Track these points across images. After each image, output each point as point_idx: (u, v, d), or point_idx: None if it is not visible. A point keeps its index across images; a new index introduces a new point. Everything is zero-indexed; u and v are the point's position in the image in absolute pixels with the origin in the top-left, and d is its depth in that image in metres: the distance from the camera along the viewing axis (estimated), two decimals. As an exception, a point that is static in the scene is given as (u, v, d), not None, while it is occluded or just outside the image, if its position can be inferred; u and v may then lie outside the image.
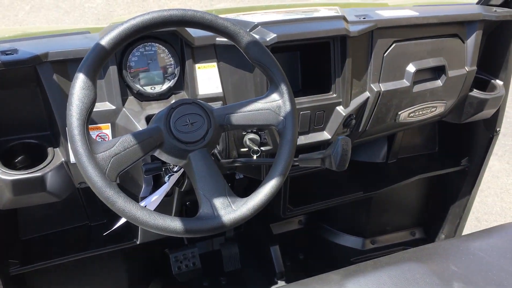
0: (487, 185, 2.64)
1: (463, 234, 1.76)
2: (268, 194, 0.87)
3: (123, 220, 1.13)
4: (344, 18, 1.17)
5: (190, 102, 0.88)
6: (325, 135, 1.22)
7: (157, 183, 1.08)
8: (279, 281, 1.58)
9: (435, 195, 1.75)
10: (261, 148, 1.15)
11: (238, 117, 0.90)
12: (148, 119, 1.01)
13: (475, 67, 1.36)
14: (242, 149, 1.15)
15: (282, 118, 0.91)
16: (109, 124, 1.02)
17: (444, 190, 1.71)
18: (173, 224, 0.81)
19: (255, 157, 1.10)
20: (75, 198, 1.31)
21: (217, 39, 1.07)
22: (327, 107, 1.19)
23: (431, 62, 1.28)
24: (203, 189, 0.85)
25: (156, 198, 1.03)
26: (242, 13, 1.22)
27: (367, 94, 1.24)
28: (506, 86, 1.45)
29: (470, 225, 2.11)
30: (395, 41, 1.25)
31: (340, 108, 1.20)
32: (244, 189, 1.42)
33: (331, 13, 1.19)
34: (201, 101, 0.91)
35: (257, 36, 1.03)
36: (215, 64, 1.09)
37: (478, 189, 1.65)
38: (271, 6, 1.34)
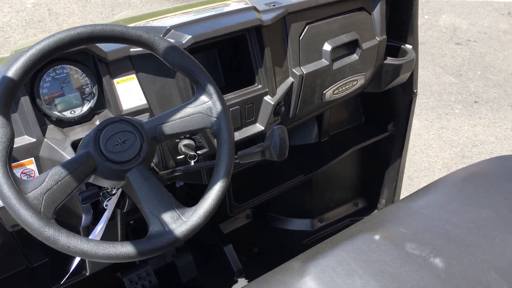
0: (412, 144, 2.77)
1: (402, 195, 1.84)
2: (216, 197, 0.85)
3: (78, 259, 1.07)
4: (255, 8, 1.17)
5: (117, 120, 0.84)
6: (258, 127, 1.22)
7: (96, 210, 1.03)
8: (239, 279, 1.57)
9: (370, 164, 1.81)
10: (198, 152, 1.13)
11: (170, 126, 0.88)
12: (74, 145, 0.95)
13: (385, 36, 1.41)
14: (178, 157, 1.12)
15: (215, 119, 0.90)
16: (32, 158, 0.95)
17: (377, 158, 1.77)
18: (125, 249, 0.77)
19: (193, 162, 1.08)
20: (9, 242, 1.21)
21: (132, 50, 1.03)
22: (254, 99, 1.19)
23: (344, 38, 1.32)
24: (148, 207, 0.82)
25: (101, 227, 0.98)
26: (150, 19, 1.18)
27: (290, 79, 1.25)
28: (415, 49, 1.52)
29: (404, 184, 2.21)
30: (307, 23, 1.27)
31: (267, 98, 1.20)
32: (186, 197, 1.39)
33: (241, 5, 1.18)
34: (128, 117, 0.87)
35: (172, 40, 1.00)
36: (134, 76, 1.05)
37: (407, 150, 1.72)
38: (178, 8, 1.31)
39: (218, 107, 0.90)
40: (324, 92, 1.32)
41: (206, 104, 0.90)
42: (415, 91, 1.60)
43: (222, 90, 1.18)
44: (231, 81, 1.23)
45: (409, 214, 1.13)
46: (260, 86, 1.19)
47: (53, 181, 0.75)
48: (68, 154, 0.94)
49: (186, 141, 1.10)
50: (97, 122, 1.00)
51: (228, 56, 1.24)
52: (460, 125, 2.96)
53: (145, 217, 0.82)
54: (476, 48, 3.81)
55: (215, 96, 0.90)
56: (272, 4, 1.23)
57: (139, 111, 1.04)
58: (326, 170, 1.66)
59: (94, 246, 0.74)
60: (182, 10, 1.24)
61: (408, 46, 1.51)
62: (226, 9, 1.17)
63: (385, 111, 1.70)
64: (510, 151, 2.73)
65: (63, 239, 0.72)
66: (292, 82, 1.25)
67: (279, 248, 1.76)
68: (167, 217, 0.81)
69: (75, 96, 1.01)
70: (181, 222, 0.82)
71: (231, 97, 1.16)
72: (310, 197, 1.75)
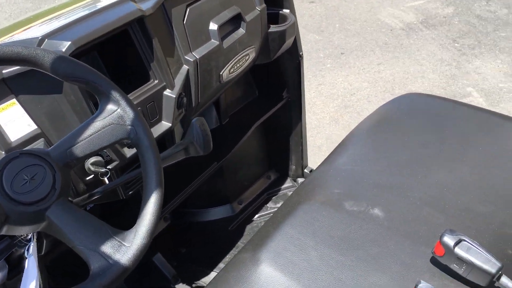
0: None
1: (308, 157, 1.87)
2: (155, 211, 0.77)
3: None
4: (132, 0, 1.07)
5: (17, 155, 0.71)
6: (165, 124, 1.14)
7: (12, 263, 0.88)
8: (176, 285, 1.49)
9: (274, 135, 1.81)
10: (108, 167, 1.02)
11: (81, 146, 0.76)
12: None
13: (264, 5, 1.39)
14: (88, 178, 1.00)
15: (130, 127, 0.80)
16: None
17: (279, 127, 1.78)
18: None
19: (106, 179, 0.97)
20: None
21: (4, 71, 0.87)
22: (154, 96, 1.10)
23: (228, 14, 1.27)
24: (82, 243, 0.71)
25: (34, 283, 0.83)
26: (14, 33, 1.02)
27: (185, 67, 1.17)
28: (293, 12, 1.53)
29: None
30: (187, 5, 1.19)
31: (167, 92, 1.12)
32: (103, 218, 1.26)
33: (115, -2, 1.07)
34: (28, 148, 0.74)
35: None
36: (14, 100, 0.90)
37: (305, 113, 1.75)
38: (40, 15, 1.15)
39: (130, 113, 0.80)
40: (221, 73, 1.27)
41: (115, 113, 0.79)
42: (300, 53, 1.61)
43: (116, 94, 1.07)
44: (124, 81, 1.12)
45: (336, 174, 1.14)
46: (156, 81, 1.10)
47: None
48: None
49: (92, 159, 0.98)
50: None
51: (111, 56, 1.12)
52: (334, 78, 3.10)
53: (82, 255, 0.71)
54: (329, 3, 3.99)
55: (123, 102, 0.80)
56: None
57: (31, 139, 0.89)
58: (234, 151, 1.62)
59: None
60: (46, 16, 1.09)
61: (286, 11, 1.51)
62: (100, 5, 1.05)
63: (276, 80, 1.69)
64: (383, 92, 2.93)
65: None
66: (188, 70, 1.17)
67: (206, 242, 1.71)
68: (107, 247, 0.72)
69: None
70: (125, 248, 0.73)
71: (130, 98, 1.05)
72: (224, 182, 1.71)
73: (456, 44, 3.36)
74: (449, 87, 2.95)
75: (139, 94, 1.07)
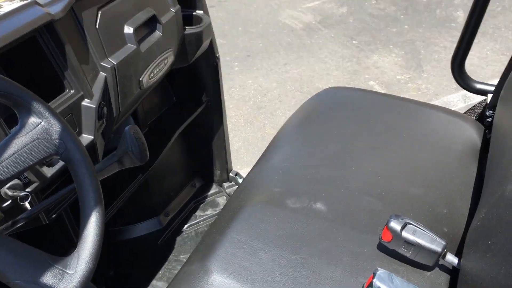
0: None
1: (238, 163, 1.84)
2: (97, 231, 0.70)
3: None
4: (36, 3, 0.96)
5: None
6: (86, 138, 1.04)
7: None
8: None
9: (196, 141, 1.76)
10: (27, 190, 0.91)
11: (4, 168, 0.67)
12: None
13: (178, 6, 1.34)
14: (5, 204, 0.88)
15: (58, 141, 0.71)
16: None
17: (201, 132, 1.73)
18: None
19: (27, 204, 0.86)
20: None
21: None
22: (72, 107, 1.00)
23: (142, 16, 1.20)
24: (18, 276, 0.62)
25: None
26: None
27: (102, 75, 1.09)
28: (207, 13, 1.49)
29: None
30: (98, 8, 1.11)
31: (86, 102, 1.03)
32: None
33: (18, 3, 0.96)
34: None
35: None
36: None
37: (226, 115, 1.72)
38: None
39: (56, 125, 0.71)
40: (140, 79, 1.20)
41: (39, 127, 0.70)
42: (217, 55, 1.58)
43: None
44: (36, 93, 1.01)
45: (273, 173, 1.12)
46: (72, 91, 1.01)
47: None
48: None
49: (8, 183, 0.87)
50: None
51: (16, 67, 1.01)
52: (244, 81, 3.10)
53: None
54: (229, 7, 4.00)
55: (47, 114, 0.71)
56: (54, -6, 1.03)
57: None
58: (158, 162, 1.55)
59: None
60: None
61: (200, 12, 1.47)
62: (1, 11, 0.94)
63: (194, 84, 1.64)
64: (293, 90, 2.99)
65: None
66: (106, 77, 1.09)
67: (135, 260, 1.61)
68: (49, 278, 0.63)
69: None
70: (69, 277, 0.64)
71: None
72: (149, 195, 1.62)
73: (354, 41, 3.53)
74: (353, 81, 3.08)
75: (55, 106, 0.97)
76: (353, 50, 3.42)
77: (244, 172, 2.04)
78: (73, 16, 1.04)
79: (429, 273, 0.88)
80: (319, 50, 3.42)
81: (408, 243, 0.86)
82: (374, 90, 2.99)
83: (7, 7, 0.96)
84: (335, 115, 1.27)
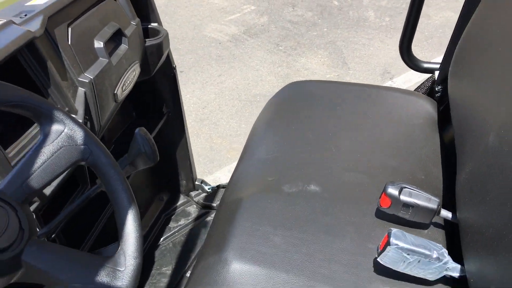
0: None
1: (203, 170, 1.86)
2: (136, 227, 0.71)
3: None
4: (12, 22, 0.95)
5: None
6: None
7: None
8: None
9: (161, 152, 1.75)
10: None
11: (37, 177, 0.66)
12: None
13: (138, 19, 1.35)
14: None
15: (83, 146, 0.72)
16: None
17: (164, 144, 1.73)
18: None
19: None
20: None
21: None
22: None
23: (109, 30, 1.21)
24: (75, 280, 0.62)
25: None
26: None
27: (81, 90, 1.08)
28: (161, 25, 1.52)
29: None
30: (68, 25, 1.10)
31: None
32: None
33: (-7, 23, 0.94)
34: None
35: None
36: None
37: (188, 125, 1.74)
38: None
39: (78, 131, 0.72)
40: (115, 92, 1.20)
41: (63, 134, 0.71)
42: (174, 65, 1.60)
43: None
44: (20, 116, 0.99)
45: (261, 164, 1.17)
46: (59, 106, 1.00)
47: None
48: None
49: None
50: None
51: None
52: (182, 95, 3.11)
53: None
54: (152, 27, 4.00)
55: (68, 121, 0.72)
56: (24, 14, 1.02)
57: None
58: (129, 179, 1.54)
59: None
60: None
61: (154, 24, 1.49)
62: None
63: (152, 96, 1.65)
64: (232, 99, 3.05)
65: None
66: (85, 92, 1.09)
67: None
68: (104, 277, 0.64)
69: None
70: (121, 273, 0.65)
71: (34, 133, 0.93)
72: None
73: (280, 47, 3.67)
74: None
75: None
76: (281, 55, 3.56)
77: (209, 180, 2.07)
78: (47, 34, 1.03)
79: (426, 231, 0.97)
80: (249, 59, 3.52)
81: (406, 205, 0.94)
82: (308, 90, 3.13)
83: (-19, 28, 0.94)
84: (302, 106, 1.34)
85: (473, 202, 0.84)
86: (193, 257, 1.60)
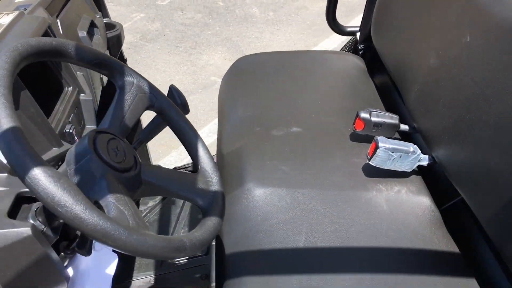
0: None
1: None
2: (207, 152, 0.88)
3: None
4: (23, 13, 1.03)
5: (95, 134, 0.71)
6: (89, 129, 1.14)
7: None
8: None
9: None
10: None
11: (128, 118, 0.81)
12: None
13: (100, 12, 1.46)
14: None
15: (149, 94, 0.86)
16: None
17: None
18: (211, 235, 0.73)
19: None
20: None
21: None
22: (76, 102, 1.10)
23: (85, 22, 1.31)
24: (185, 190, 0.77)
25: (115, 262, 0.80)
26: None
27: (79, 73, 1.19)
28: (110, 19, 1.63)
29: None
30: (57, 16, 1.20)
31: (83, 96, 1.13)
32: None
33: (6, 15, 1.02)
34: (96, 128, 0.74)
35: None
36: None
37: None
38: None
39: (144, 82, 0.86)
40: (101, 76, 1.31)
41: (135, 85, 0.84)
42: (125, 58, 1.72)
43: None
44: (45, 95, 1.07)
45: (243, 122, 1.36)
46: (70, 88, 1.10)
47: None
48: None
49: None
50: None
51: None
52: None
53: (188, 199, 0.77)
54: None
55: (135, 74, 0.85)
56: (23, 8, 1.10)
57: None
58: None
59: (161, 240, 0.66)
60: None
61: (107, 19, 1.60)
62: (4, 21, 0.99)
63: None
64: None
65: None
66: (83, 75, 1.19)
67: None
68: (203, 185, 0.80)
69: None
70: (211, 182, 0.82)
71: (61, 108, 1.03)
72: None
73: (180, 49, 3.83)
74: (197, 81, 3.38)
75: (65, 103, 1.06)
76: (182, 55, 3.73)
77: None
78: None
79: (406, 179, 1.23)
80: (153, 62, 3.63)
81: (376, 125, 1.21)
82: (217, 84, 3.35)
83: (5, 18, 1.01)
84: (259, 73, 1.55)
85: (428, 110, 1.13)
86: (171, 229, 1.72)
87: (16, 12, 1.03)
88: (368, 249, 0.97)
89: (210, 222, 0.75)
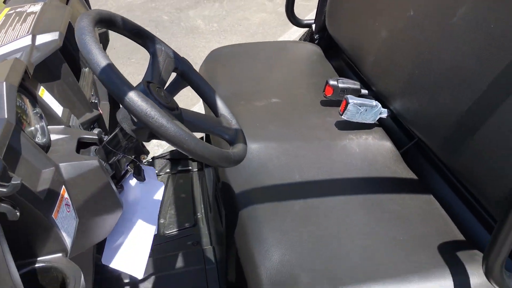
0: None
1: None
2: (222, 101, 1.09)
3: None
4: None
5: (145, 84, 0.91)
6: (104, 104, 1.32)
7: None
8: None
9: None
10: None
11: (163, 76, 1.00)
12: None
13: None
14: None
15: (174, 58, 1.06)
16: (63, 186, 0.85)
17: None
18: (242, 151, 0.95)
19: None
20: None
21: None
22: (93, 79, 1.28)
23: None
24: (214, 127, 0.99)
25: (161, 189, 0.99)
26: None
27: None
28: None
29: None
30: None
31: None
32: None
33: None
34: (144, 79, 0.93)
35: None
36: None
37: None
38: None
39: (168, 48, 1.06)
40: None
41: (164, 51, 1.04)
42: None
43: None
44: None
45: (226, 98, 1.59)
46: (87, 68, 1.28)
47: None
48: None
49: None
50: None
51: None
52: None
53: (216, 133, 0.99)
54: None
55: (160, 41, 1.05)
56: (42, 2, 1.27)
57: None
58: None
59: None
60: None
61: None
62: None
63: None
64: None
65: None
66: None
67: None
68: (225, 123, 1.01)
69: None
70: (231, 123, 1.04)
71: (84, 83, 1.21)
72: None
73: (132, 60, 3.99)
74: (153, 87, 3.55)
75: (86, 80, 1.24)
76: (135, 66, 3.89)
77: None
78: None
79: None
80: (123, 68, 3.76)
81: (342, 90, 1.47)
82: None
83: (35, 7, 1.18)
84: (231, 62, 1.79)
85: (383, 73, 1.41)
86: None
87: (41, 3, 1.20)
88: (347, 178, 1.22)
89: (240, 145, 0.96)
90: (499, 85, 0.98)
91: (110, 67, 0.77)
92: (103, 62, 0.77)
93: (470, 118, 1.05)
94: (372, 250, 1.02)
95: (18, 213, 0.66)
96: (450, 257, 1.01)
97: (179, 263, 1.65)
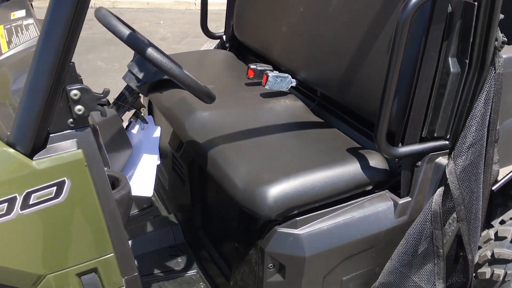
0: None
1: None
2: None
3: None
4: None
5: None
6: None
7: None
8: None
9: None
10: None
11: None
12: None
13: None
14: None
15: None
16: None
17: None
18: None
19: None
20: None
21: None
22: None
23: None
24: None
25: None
26: None
27: None
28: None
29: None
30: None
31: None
32: None
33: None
34: None
35: None
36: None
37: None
38: None
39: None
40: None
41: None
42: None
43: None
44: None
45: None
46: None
47: None
48: None
49: None
50: None
51: None
52: None
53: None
54: None
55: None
56: None
57: None
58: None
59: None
60: None
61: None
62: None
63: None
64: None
65: None
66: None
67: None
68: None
69: None
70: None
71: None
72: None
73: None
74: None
75: None
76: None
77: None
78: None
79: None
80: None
81: (261, 71, 1.98)
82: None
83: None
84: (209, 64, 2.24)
85: (288, 55, 1.95)
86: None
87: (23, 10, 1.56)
88: (276, 125, 1.72)
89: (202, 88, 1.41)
90: (363, 43, 1.56)
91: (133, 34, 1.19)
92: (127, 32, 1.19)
93: (351, 69, 1.63)
94: (298, 153, 1.54)
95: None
96: (352, 152, 1.54)
97: (149, 229, 2.01)
